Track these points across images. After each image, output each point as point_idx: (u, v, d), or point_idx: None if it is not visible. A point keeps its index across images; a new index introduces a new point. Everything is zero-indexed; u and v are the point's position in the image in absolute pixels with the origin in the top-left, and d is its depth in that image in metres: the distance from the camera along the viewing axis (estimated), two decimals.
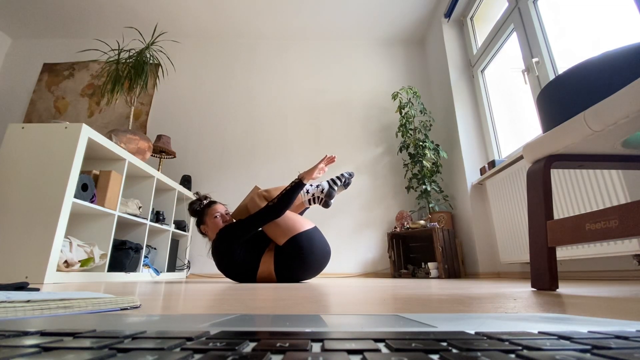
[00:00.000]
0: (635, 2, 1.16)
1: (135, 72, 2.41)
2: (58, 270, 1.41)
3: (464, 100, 2.57)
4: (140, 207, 2.04)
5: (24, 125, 1.53)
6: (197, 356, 0.11)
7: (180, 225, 2.55)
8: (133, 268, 1.93)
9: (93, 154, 1.78)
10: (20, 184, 1.43)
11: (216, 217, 1.62)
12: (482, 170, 2.21)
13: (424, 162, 2.46)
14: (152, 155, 2.69)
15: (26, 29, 3.28)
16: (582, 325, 0.19)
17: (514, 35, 2.06)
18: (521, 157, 1.78)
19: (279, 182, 2.87)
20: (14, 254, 1.33)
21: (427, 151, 2.47)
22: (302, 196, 1.68)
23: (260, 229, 1.77)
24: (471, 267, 2.28)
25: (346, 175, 1.74)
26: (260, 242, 1.59)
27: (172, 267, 2.44)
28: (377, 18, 3.10)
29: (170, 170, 2.94)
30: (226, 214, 1.67)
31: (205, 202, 1.71)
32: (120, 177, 1.81)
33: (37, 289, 0.59)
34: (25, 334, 0.16)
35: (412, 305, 0.47)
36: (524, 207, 1.76)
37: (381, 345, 0.14)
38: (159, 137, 2.66)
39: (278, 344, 0.13)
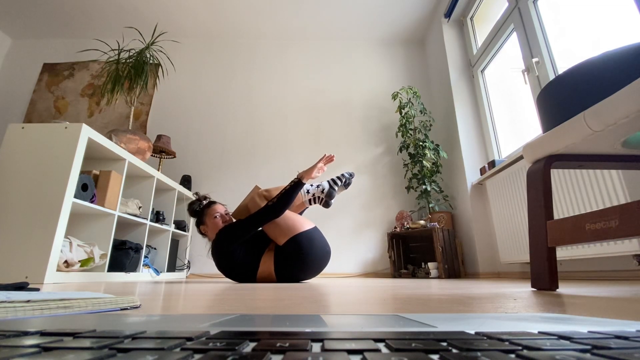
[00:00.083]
0: (635, 2, 1.16)
1: (135, 72, 2.41)
2: (58, 270, 1.41)
3: (464, 100, 2.57)
4: (140, 207, 2.04)
5: (24, 125, 1.53)
6: (197, 356, 0.11)
7: (180, 225, 2.55)
8: (133, 268, 1.93)
9: (93, 154, 1.78)
10: (20, 184, 1.43)
11: (216, 217, 1.62)
12: (482, 170, 2.21)
13: (424, 162, 2.46)
14: (152, 155, 2.69)
15: (26, 29, 3.28)
16: (582, 325, 0.19)
17: (514, 35, 2.06)
18: (521, 157, 1.78)
19: (279, 182, 2.87)
20: (14, 254, 1.33)
21: (427, 151, 2.47)
22: (302, 196, 1.67)
23: (260, 228, 1.77)
24: (471, 267, 2.28)
25: (347, 175, 1.74)
26: (260, 242, 1.59)
27: (172, 267, 2.44)
28: (377, 18, 3.10)
29: (170, 170, 2.94)
30: (226, 214, 1.67)
31: (204, 202, 1.71)
32: (120, 177, 1.81)
33: (37, 289, 0.59)
34: (25, 334, 0.16)
35: (412, 305, 0.47)
36: (524, 207, 1.76)
37: (381, 345, 0.14)
38: (159, 137, 2.66)
39: (278, 344, 0.13)
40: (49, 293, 0.45)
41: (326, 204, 1.68)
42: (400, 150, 2.68)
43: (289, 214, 1.57)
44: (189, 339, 0.14)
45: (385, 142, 3.01)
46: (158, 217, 2.28)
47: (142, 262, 2.00)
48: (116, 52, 2.52)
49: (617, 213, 0.60)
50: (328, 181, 1.71)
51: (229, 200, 2.80)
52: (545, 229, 0.77)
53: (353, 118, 3.10)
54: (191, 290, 0.85)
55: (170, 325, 0.19)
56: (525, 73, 1.90)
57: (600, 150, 0.75)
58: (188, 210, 1.71)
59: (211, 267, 2.65)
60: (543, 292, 0.72)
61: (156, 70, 2.92)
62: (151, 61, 2.54)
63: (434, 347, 0.13)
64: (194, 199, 1.74)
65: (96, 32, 3.32)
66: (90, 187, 1.61)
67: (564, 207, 1.46)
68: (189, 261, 2.65)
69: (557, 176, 1.50)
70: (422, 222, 2.31)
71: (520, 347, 0.13)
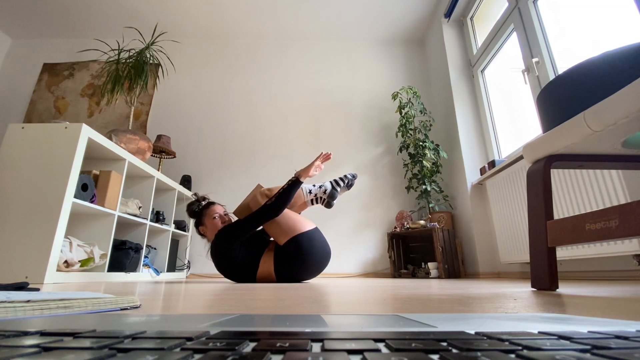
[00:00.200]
0: (635, 2, 1.16)
1: (135, 72, 2.41)
2: (58, 270, 1.41)
3: (464, 100, 2.57)
4: (140, 207, 2.04)
5: (24, 125, 1.53)
6: (197, 356, 0.11)
7: (180, 225, 2.55)
8: (133, 268, 1.93)
9: (93, 154, 1.78)
10: (20, 184, 1.43)
11: (215, 218, 1.62)
12: (482, 170, 2.21)
13: (424, 162, 2.46)
14: (152, 155, 2.69)
15: (26, 29, 3.28)
16: (582, 325, 0.19)
17: (514, 35, 2.06)
18: (521, 157, 1.78)
19: (279, 182, 2.87)
20: (14, 254, 1.33)
21: (427, 151, 2.47)
22: (304, 196, 1.67)
23: (260, 229, 1.77)
24: (471, 267, 2.28)
25: (349, 176, 1.73)
26: (259, 242, 1.59)
27: (172, 267, 2.44)
28: (377, 18, 3.10)
29: (170, 170, 2.94)
30: (225, 215, 1.66)
31: (203, 203, 1.70)
32: (120, 177, 1.81)
33: (37, 289, 0.59)
34: (25, 334, 0.16)
35: (412, 305, 0.47)
36: (524, 207, 1.76)
37: (381, 345, 0.14)
38: (159, 137, 2.66)
39: (278, 344, 0.13)
40: (49, 293, 0.45)
41: (328, 205, 1.68)
42: (400, 150, 2.68)
43: (290, 214, 1.57)
44: (189, 339, 0.14)
45: (385, 142, 3.01)
46: (158, 217, 2.28)
47: (142, 262, 2.00)
48: (116, 52, 2.52)
49: (617, 213, 0.60)
50: (330, 182, 1.71)
51: (229, 200, 2.80)
52: (545, 229, 0.77)
53: (353, 118, 3.10)
54: (191, 290, 0.85)
55: (170, 325, 0.19)
56: (525, 73, 1.90)
57: (600, 150, 0.75)
58: (187, 211, 1.70)
59: (211, 267, 2.65)
60: (543, 292, 0.72)
61: (156, 70, 2.92)
62: (151, 61, 2.54)
63: (434, 347, 0.13)
64: (192, 199, 1.74)
65: (96, 32, 3.32)
66: (90, 187, 1.61)
67: (564, 207, 1.46)
68: (189, 261, 2.65)
69: (557, 176, 1.50)
70: (422, 222, 2.31)
71: (520, 347, 0.13)
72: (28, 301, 0.34)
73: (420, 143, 2.53)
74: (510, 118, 2.30)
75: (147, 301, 0.55)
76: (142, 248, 2.01)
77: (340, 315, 0.24)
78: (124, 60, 2.45)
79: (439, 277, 2.12)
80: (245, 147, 3.01)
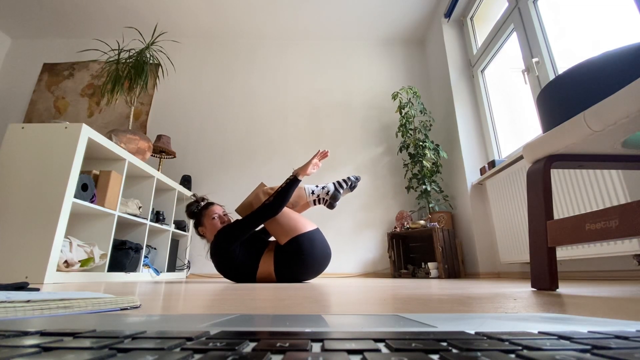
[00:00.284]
0: (635, 2, 1.16)
1: (135, 72, 2.41)
2: (58, 270, 1.41)
3: (464, 100, 2.57)
4: (140, 207, 2.04)
5: (24, 125, 1.53)
6: (197, 356, 0.11)
7: (180, 225, 2.55)
8: (133, 268, 1.93)
9: (93, 154, 1.78)
10: (20, 184, 1.43)
11: (214, 218, 1.62)
12: (482, 170, 2.21)
13: (424, 162, 2.46)
14: (152, 155, 2.69)
15: (26, 29, 3.28)
16: (582, 325, 0.19)
17: (514, 35, 2.06)
18: (521, 157, 1.78)
19: (279, 182, 2.87)
20: (14, 254, 1.33)
21: (427, 151, 2.47)
22: (307, 196, 1.67)
23: (260, 229, 1.77)
24: (471, 267, 2.28)
25: (352, 178, 1.73)
26: (259, 242, 1.59)
27: (172, 267, 2.44)
28: (377, 18, 3.10)
29: (170, 170, 2.94)
30: (224, 215, 1.66)
31: (202, 203, 1.70)
32: (120, 177, 1.81)
33: (37, 289, 0.59)
34: (25, 334, 0.16)
35: (412, 305, 0.47)
36: (524, 207, 1.76)
37: (381, 345, 0.14)
38: (159, 137, 2.66)
39: (278, 344, 0.13)
40: (49, 293, 0.45)
41: (330, 206, 1.68)
42: (400, 150, 2.68)
43: (292, 214, 1.57)
44: (189, 339, 0.14)
45: (385, 142, 3.01)
46: (158, 217, 2.28)
47: (142, 262, 2.00)
48: (116, 52, 2.52)
49: (617, 213, 0.60)
50: (334, 183, 1.70)
51: (229, 200, 2.80)
52: (545, 229, 0.77)
53: (353, 118, 3.10)
54: (191, 290, 0.85)
55: (170, 325, 0.19)
56: (525, 73, 1.90)
57: (600, 150, 0.75)
58: (186, 212, 1.70)
59: (211, 267, 2.65)
60: (543, 292, 0.72)
61: (156, 70, 2.93)
62: (151, 61, 2.54)
63: (434, 347, 0.13)
64: (191, 200, 1.74)
65: (96, 32, 3.32)
66: (90, 187, 1.61)
67: (564, 207, 1.46)
68: (189, 261, 2.65)
69: (557, 176, 1.50)
70: (422, 222, 2.31)
71: (520, 347, 0.13)
72: (28, 301, 0.34)
73: (420, 143, 2.53)
74: (510, 118, 2.30)
75: (147, 301, 0.55)
76: (142, 248, 2.00)
77: (340, 315, 0.24)
78: (124, 60, 2.45)
79: (439, 277, 2.12)
80: (245, 147, 3.01)
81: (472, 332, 0.16)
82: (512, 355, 0.12)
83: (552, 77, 1.72)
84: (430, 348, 0.13)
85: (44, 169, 1.45)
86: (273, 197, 1.51)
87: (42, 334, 0.16)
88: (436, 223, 2.30)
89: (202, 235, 1.67)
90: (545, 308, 0.43)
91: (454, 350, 0.12)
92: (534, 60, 1.80)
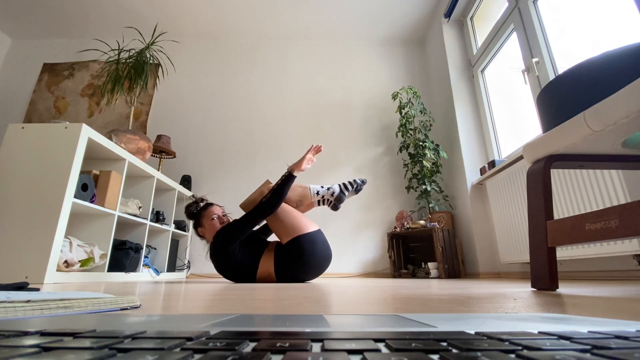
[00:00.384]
0: (635, 2, 1.16)
1: (135, 72, 2.41)
2: (58, 270, 1.41)
3: (464, 100, 2.57)
4: (140, 207, 2.04)
5: (24, 125, 1.53)
6: (197, 356, 0.11)
7: (180, 225, 2.55)
8: (133, 268, 1.93)
9: (93, 154, 1.78)
10: (20, 184, 1.43)
11: (213, 219, 1.62)
12: (482, 170, 2.21)
13: (424, 162, 2.46)
14: (152, 155, 2.69)
15: (26, 29, 3.28)
16: (582, 325, 0.19)
17: (514, 35, 2.06)
18: (521, 157, 1.78)
19: None
20: (14, 254, 1.33)
21: (427, 151, 2.47)
22: (312, 196, 1.67)
23: (258, 229, 1.77)
24: (471, 267, 2.28)
25: (358, 181, 1.72)
26: (257, 242, 1.59)
27: (172, 267, 2.44)
28: (377, 18, 3.10)
29: (170, 170, 2.94)
30: (223, 216, 1.66)
31: (201, 204, 1.70)
32: (120, 177, 1.81)
33: (37, 289, 0.59)
34: (25, 334, 0.16)
35: (412, 305, 0.47)
36: (524, 207, 1.76)
37: (381, 345, 0.14)
38: (159, 137, 2.66)
39: (278, 344, 0.13)
40: (49, 293, 0.45)
41: (334, 207, 1.68)
42: (400, 150, 2.68)
43: (295, 214, 1.57)
44: (189, 339, 0.14)
45: (385, 142, 3.01)
46: (158, 217, 2.28)
47: (142, 262, 2.00)
48: (116, 52, 2.52)
49: (617, 213, 0.60)
50: (339, 185, 1.70)
51: (229, 200, 2.80)
52: (545, 229, 0.77)
53: (353, 118, 3.10)
54: (191, 290, 0.85)
55: (170, 325, 0.19)
56: (525, 73, 1.90)
57: (600, 150, 0.75)
58: (185, 213, 1.70)
59: (211, 267, 2.65)
60: (543, 292, 0.72)
61: (156, 70, 2.93)
62: (151, 61, 2.54)
63: (434, 347, 0.13)
64: (191, 201, 1.74)
65: (96, 32, 3.32)
66: (90, 187, 1.61)
67: (564, 207, 1.46)
68: (189, 261, 2.66)
69: (557, 176, 1.50)
70: (422, 222, 2.31)
71: (520, 347, 0.13)
72: (28, 301, 0.34)
73: (420, 143, 2.53)
74: (510, 118, 2.30)
75: (147, 301, 0.55)
76: (142, 248, 2.00)
77: (340, 315, 0.24)
78: (124, 60, 2.45)
79: (439, 277, 2.12)
80: (246, 147, 3.01)
81: (472, 332, 0.16)
82: (512, 355, 0.12)
83: (552, 77, 1.72)
84: (430, 348, 0.13)
85: (44, 169, 1.45)
86: (270, 194, 1.52)
87: (42, 334, 0.16)
88: (436, 223, 2.30)
89: (201, 236, 1.67)
90: (545, 308, 0.43)
91: (454, 350, 0.12)
92: (534, 60, 1.80)
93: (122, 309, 0.42)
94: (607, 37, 1.52)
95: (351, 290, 0.86)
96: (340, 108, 3.14)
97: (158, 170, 2.65)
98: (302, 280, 1.54)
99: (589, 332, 0.16)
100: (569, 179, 1.43)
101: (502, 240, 1.96)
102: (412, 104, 2.71)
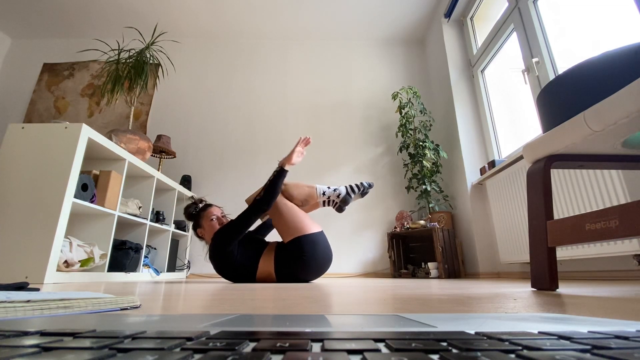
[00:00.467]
0: (635, 2, 1.16)
1: (135, 72, 2.41)
2: (58, 270, 1.41)
3: (464, 100, 2.57)
4: (140, 207, 2.04)
5: (24, 125, 1.53)
6: (197, 356, 0.11)
7: (180, 225, 2.55)
8: (133, 268, 1.93)
9: (93, 154, 1.78)
10: (20, 184, 1.43)
11: (212, 220, 1.62)
12: (482, 170, 2.21)
13: (424, 162, 2.46)
14: (152, 155, 2.69)
15: (26, 29, 3.28)
16: (582, 325, 0.19)
17: (514, 35, 2.06)
18: (521, 157, 1.78)
19: None
20: (14, 254, 1.33)
21: (427, 151, 2.47)
22: (317, 196, 1.66)
23: (255, 229, 1.77)
24: (471, 267, 2.28)
25: (365, 184, 1.72)
26: (256, 242, 1.59)
27: (172, 267, 2.44)
28: (377, 18, 3.10)
29: (170, 170, 2.94)
30: (222, 217, 1.66)
31: (200, 205, 1.70)
32: (120, 177, 1.81)
33: (37, 289, 0.59)
34: (25, 334, 0.16)
35: (412, 305, 0.47)
36: (524, 207, 1.76)
37: (381, 345, 0.14)
38: (159, 137, 2.66)
39: (278, 344, 0.13)
40: (49, 293, 0.45)
41: (339, 209, 1.68)
42: (400, 150, 2.68)
43: (299, 213, 1.57)
44: (189, 339, 0.14)
45: (385, 142, 3.01)
46: (158, 217, 2.28)
47: (142, 262, 2.00)
48: (116, 52, 2.52)
49: (617, 213, 0.60)
50: (346, 187, 1.69)
51: (229, 200, 2.80)
52: (545, 229, 0.77)
53: (353, 118, 3.10)
54: (191, 290, 0.85)
55: (170, 325, 0.19)
56: (525, 73, 1.90)
57: (600, 150, 0.75)
58: (184, 214, 1.70)
59: (211, 267, 2.65)
60: (543, 292, 0.72)
61: (156, 70, 2.92)
62: (151, 61, 2.54)
63: (434, 347, 0.13)
64: (190, 202, 1.74)
65: (96, 32, 3.32)
66: (90, 187, 1.61)
67: (564, 207, 1.46)
68: (189, 261, 2.65)
69: (557, 176, 1.50)
70: (422, 222, 2.31)
71: (520, 347, 0.13)
72: (28, 301, 0.34)
73: (420, 143, 2.53)
74: (510, 118, 2.30)
75: (147, 301, 0.55)
76: (142, 248, 2.00)
77: (340, 315, 0.24)
78: (124, 60, 2.45)
79: (439, 277, 2.12)
80: (246, 147, 3.01)
81: (472, 332, 0.16)
82: (512, 355, 0.12)
83: (552, 77, 1.72)
84: (430, 348, 0.13)
85: (44, 169, 1.45)
86: (263, 191, 1.52)
87: (42, 334, 0.16)
88: (436, 223, 2.30)
89: (200, 237, 1.67)
90: (545, 308, 0.43)
91: (454, 350, 0.12)
92: (534, 60, 1.80)
93: (122, 309, 0.42)
94: (607, 37, 1.52)
95: (351, 290, 0.86)
96: (340, 108, 3.14)
97: (158, 170, 2.65)
98: (302, 281, 1.54)
99: (589, 332, 0.16)
100: (569, 179, 1.43)
101: (502, 240, 1.96)
102: (412, 104, 2.71)
